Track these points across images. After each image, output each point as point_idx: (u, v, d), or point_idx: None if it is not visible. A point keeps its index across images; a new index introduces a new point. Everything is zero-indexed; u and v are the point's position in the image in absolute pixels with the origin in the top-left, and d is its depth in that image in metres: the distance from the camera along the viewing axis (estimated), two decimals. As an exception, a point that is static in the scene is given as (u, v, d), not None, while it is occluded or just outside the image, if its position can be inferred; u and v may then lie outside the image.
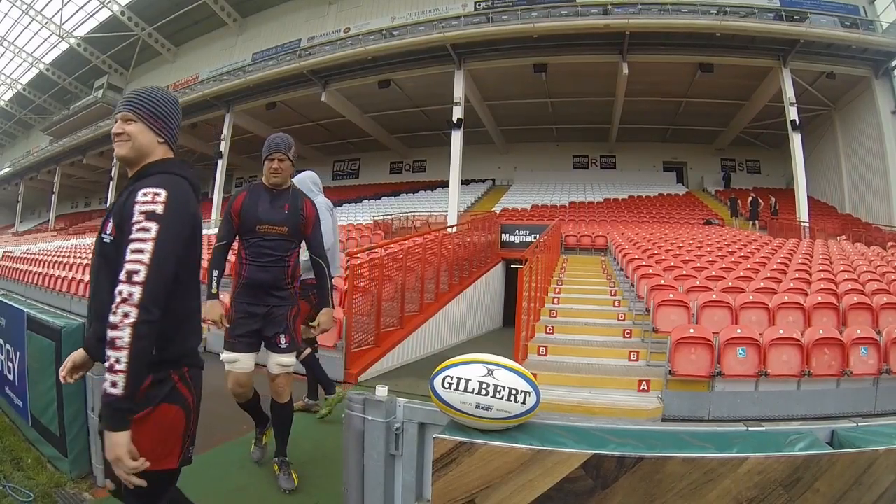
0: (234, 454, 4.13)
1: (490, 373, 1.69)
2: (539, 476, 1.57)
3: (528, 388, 1.70)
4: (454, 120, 22.30)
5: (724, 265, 10.47)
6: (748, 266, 10.27)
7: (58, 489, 3.42)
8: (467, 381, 1.68)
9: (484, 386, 1.67)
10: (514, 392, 1.68)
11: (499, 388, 1.67)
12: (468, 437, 1.64)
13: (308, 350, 4.97)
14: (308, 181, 5.07)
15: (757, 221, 20.62)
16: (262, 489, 3.59)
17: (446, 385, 1.70)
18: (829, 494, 1.62)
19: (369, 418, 1.96)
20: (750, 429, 1.91)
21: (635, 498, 1.58)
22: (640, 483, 1.57)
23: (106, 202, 36.92)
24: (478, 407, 1.67)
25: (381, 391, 1.96)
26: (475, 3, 28.50)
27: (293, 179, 4.96)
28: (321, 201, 4.90)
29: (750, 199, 21.06)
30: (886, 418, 2.13)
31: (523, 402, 1.68)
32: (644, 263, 10.55)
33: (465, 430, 1.71)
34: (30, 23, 38.08)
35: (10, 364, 4.40)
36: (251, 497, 3.51)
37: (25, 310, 4.10)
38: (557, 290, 10.30)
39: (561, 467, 1.57)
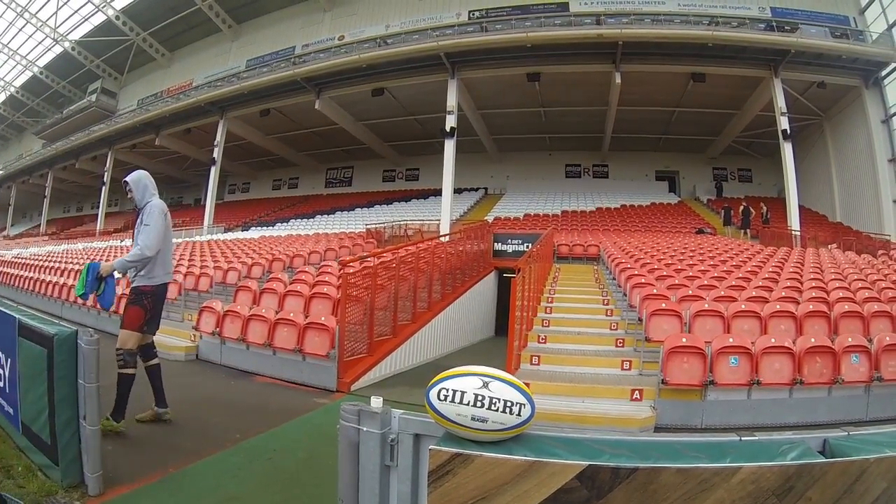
0: (227, 464, 4.11)
1: (485, 385, 1.70)
2: (534, 487, 1.58)
3: (524, 400, 1.71)
4: (447, 129, 22.37)
5: (716, 274, 10.51)
6: (740, 275, 10.31)
7: (49, 497, 3.39)
8: (463, 393, 1.68)
9: (479, 398, 1.67)
10: (509, 404, 1.68)
11: (494, 401, 1.67)
12: (463, 449, 1.64)
13: (154, 360, 4.84)
14: (146, 180, 4.81)
15: (748, 230, 20.73)
16: (256, 499, 3.57)
17: (442, 397, 1.70)
18: (820, 503, 1.63)
19: (364, 429, 1.95)
20: (743, 438, 1.92)
21: (630, 509, 1.59)
22: (635, 493, 1.58)
23: (98, 207, 36.79)
24: (473, 419, 1.67)
25: (376, 402, 1.96)
26: (469, 12, 28.64)
27: (128, 178, 4.79)
28: (156, 203, 4.71)
29: (741, 207, 21.18)
30: (878, 426, 2.14)
31: (518, 414, 1.69)
32: (637, 273, 10.58)
33: (461, 441, 1.72)
34: (24, 25, 38.18)
35: (1, 371, 4.36)
36: (244, 507, 3.49)
37: (17, 316, 4.07)
38: (550, 300, 10.30)
39: (556, 478, 1.57)
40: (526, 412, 1.70)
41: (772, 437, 1.95)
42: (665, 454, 1.72)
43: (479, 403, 1.67)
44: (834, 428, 2.02)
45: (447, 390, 1.69)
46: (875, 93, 21.92)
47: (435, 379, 1.76)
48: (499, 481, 1.59)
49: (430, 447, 1.70)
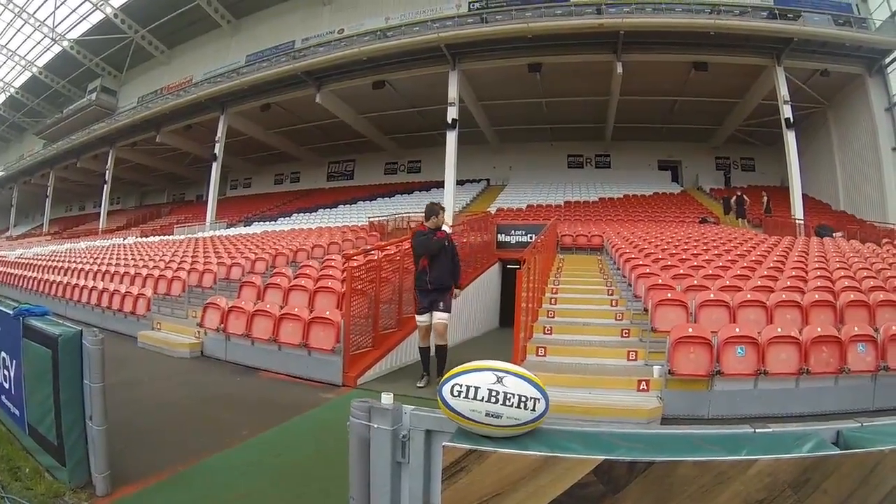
0: (236, 461, 4.10)
1: (499, 380, 1.68)
2: (550, 482, 1.56)
3: (538, 395, 1.69)
4: (449, 120, 22.31)
5: (720, 263, 10.47)
6: (745, 264, 10.27)
7: (56, 499, 3.39)
8: (476, 388, 1.66)
9: (493, 393, 1.65)
10: (523, 399, 1.66)
11: (508, 396, 1.65)
12: (478, 445, 1.63)
13: None
14: None
15: (744, 219, 20.71)
16: (266, 496, 3.56)
17: (455, 393, 1.68)
18: (836, 495, 1.62)
19: (375, 426, 1.94)
20: (757, 430, 1.90)
21: (646, 502, 1.57)
22: (651, 487, 1.57)
23: (100, 205, 36.80)
24: (487, 415, 1.65)
25: (387, 398, 1.94)
26: (469, 3, 28.54)
27: None
28: None
29: (734, 197, 21.25)
30: (885, 416, 2.13)
31: (533, 409, 1.67)
32: (641, 262, 10.54)
33: (474, 437, 1.70)
34: (22, 26, 38.03)
35: (6, 372, 4.35)
36: (254, 504, 3.48)
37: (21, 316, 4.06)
38: (555, 291, 10.28)
39: (572, 473, 1.56)
40: (540, 407, 1.69)
41: (786, 428, 1.94)
42: (681, 447, 1.71)
43: (493, 399, 1.65)
44: (841, 417, 2.01)
45: (461, 386, 1.67)
46: (878, 81, 21.82)
47: (447, 374, 1.74)
48: (514, 477, 1.58)
49: (444, 444, 1.68)
